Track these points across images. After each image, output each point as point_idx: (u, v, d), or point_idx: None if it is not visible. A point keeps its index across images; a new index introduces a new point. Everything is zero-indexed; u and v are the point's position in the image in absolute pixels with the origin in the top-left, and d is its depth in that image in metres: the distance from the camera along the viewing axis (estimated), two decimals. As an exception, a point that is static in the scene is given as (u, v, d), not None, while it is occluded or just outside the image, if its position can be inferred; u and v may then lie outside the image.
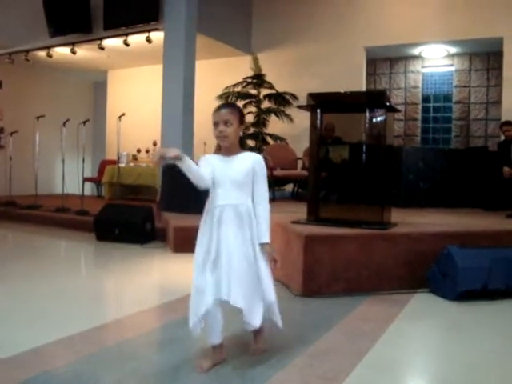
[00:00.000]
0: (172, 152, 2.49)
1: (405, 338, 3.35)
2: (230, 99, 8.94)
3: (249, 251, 2.68)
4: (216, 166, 2.71)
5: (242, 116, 2.78)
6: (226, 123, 2.67)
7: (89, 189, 11.88)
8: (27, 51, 10.40)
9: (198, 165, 2.69)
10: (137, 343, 3.11)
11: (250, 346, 2.95)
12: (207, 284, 2.62)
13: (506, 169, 6.90)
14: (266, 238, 2.70)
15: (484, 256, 4.24)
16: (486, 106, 9.63)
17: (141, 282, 4.84)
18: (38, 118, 8.92)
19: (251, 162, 2.72)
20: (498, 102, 9.24)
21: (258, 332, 2.88)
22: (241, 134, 2.82)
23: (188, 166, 2.56)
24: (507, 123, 7.18)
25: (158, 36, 8.86)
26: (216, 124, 2.70)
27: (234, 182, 2.68)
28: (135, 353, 2.92)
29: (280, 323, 2.86)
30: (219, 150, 2.86)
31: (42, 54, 10.37)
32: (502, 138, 7.43)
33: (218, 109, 2.74)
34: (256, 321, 2.68)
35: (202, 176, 2.64)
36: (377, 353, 2.99)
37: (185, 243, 6.11)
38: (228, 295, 2.59)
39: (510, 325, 3.72)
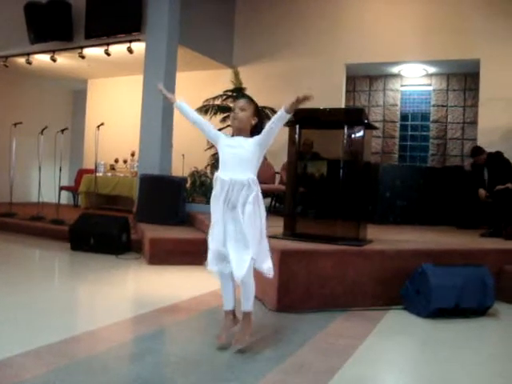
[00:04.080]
0: (168, 94, 3.38)
1: (378, 355, 3.36)
2: (209, 112, 8.93)
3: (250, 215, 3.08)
4: (224, 142, 3.23)
5: (256, 109, 3.31)
6: (241, 109, 3.22)
7: (65, 198, 11.75)
8: (6, 57, 10.30)
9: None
10: (108, 356, 3.06)
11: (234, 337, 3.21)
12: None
13: (482, 192, 6.85)
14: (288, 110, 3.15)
15: (457, 274, 4.28)
16: (463, 126, 9.77)
17: (114, 293, 4.79)
18: (15, 124, 8.80)
19: (252, 139, 3.17)
20: (474, 123, 9.40)
21: (245, 319, 3.23)
22: (253, 123, 3.25)
23: (180, 107, 3.32)
24: (478, 152, 7.12)
25: (139, 46, 8.85)
26: (233, 110, 3.26)
27: (241, 159, 3.13)
28: (106, 366, 2.87)
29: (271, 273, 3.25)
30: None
31: (22, 60, 10.25)
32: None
33: (238, 100, 3.41)
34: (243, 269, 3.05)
35: (202, 121, 3.33)
36: (349, 369, 2.99)
37: (160, 255, 6.08)
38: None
39: (482, 343, 3.76)
